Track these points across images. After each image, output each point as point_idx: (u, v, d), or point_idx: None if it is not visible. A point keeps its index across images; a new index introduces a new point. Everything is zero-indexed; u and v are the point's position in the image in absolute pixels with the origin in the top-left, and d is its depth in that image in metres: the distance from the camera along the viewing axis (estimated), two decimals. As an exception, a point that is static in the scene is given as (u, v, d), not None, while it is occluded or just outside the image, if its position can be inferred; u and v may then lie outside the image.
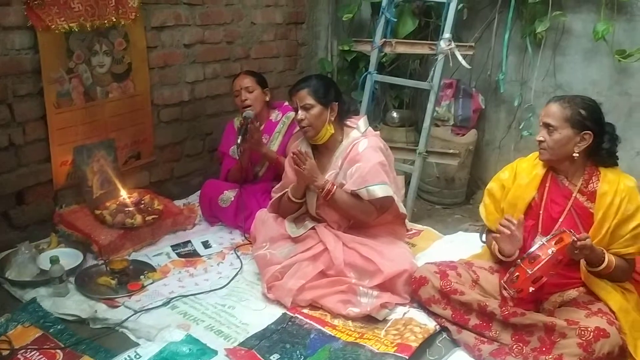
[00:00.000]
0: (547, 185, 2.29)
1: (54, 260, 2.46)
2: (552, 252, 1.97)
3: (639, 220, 2.13)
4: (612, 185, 2.16)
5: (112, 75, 3.06)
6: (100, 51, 2.97)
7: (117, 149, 3.12)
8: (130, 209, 2.94)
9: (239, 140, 2.93)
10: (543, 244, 1.99)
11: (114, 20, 2.91)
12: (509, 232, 2.15)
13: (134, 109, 3.21)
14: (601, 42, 3.25)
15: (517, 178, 2.36)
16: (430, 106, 3.45)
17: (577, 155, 2.17)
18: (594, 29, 3.21)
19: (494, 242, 2.36)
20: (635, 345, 2.07)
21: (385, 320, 2.37)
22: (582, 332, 1.95)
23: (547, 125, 2.19)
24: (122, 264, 2.60)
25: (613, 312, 2.07)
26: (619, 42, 3.27)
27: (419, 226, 3.32)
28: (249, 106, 3.07)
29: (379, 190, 2.46)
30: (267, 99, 3.19)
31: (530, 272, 1.97)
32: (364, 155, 2.51)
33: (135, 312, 2.35)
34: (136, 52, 3.14)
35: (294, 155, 2.50)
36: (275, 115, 3.23)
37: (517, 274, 2.01)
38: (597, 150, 2.19)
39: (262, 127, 3.13)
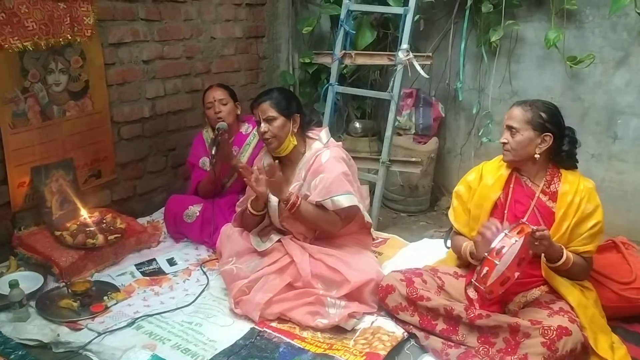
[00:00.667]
0: (511, 185, 2.37)
1: (13, 285, 2.39)
2: (515, 241, 2.02)
3: (596, 219, 2.23)
4: (572, 186, 2.25)
5: (69, 94, 3.01)
6: (56, 69, 2.92)
7: (77, 168, 3.06)
8: (91, 228, 2.88)
9: (213, 152, 2.92)
10: (505, 234, 2.04)
11: (70, 38, 2.86)
12: (490, 233, 2.11)
13: (92, 126, 3.16)
14: (553, 49, 3.35)
15: (483, 179, 2.44)
16: (391, 116, 3.50)
17: (539, 156, 2.25)
18: (546, 36, 3.31)
19: (464, 245, 2.41)
20: (596, 339, 2.13)
21: (353, 330, 2.37)
22: (545, 331, 2.00)
23: (510, 128, 2.28)
24: (84, 286, 2.54)
25: (574, 310, 2.13)
26: (569, 49, 3.38)
27: (384, 234, 3.35)
28: (221, 119, 3.08)
29: (344, 200, 2.48)
30: (238, 112, 3.21)
31: (497, 263, 2.00)
32: (327, 166, 2.52)
33: (99, 334, 2.30)
34: (93, 70, 3.10)
35: (268, 169, 2.46)
36: (245, 128, 3.24)
37: (486, 268, 2.05)
38: (558, 152, 2.28)
39: (232, 140, 3.14)
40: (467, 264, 2.45)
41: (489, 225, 2.17)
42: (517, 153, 2.28)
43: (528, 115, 2.24)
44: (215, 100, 3.11)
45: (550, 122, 2.24)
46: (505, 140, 2.29)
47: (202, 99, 3.23)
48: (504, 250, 2.01)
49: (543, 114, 2.24)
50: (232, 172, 3.22)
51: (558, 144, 2.27)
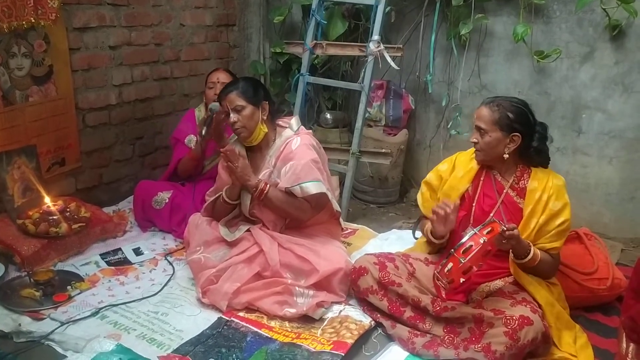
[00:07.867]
0: (481, 179, 2.38)
1: (-28, 274, 2.33)
2: (484, 241, 2.02)
3: (564, 217, 2.24)
4: (541, 183, 2.26)
5: (32, 78, 2.92)
6: (18, 53, 2.83)
7: (40, 155, 2.98)
8: (54, 217, 2.81)
9: (203, 132, 2.88)
10: (475, 233, 2.05)
11: (33, 21, 2.77)
12: (443, 212, 2.20)
13: (56, 113, 3.07)
14: (521, 43, 3.40)
15: (455, 170, 2.46)
16: (361, 107, 3.51)
17: (507, 156, 2.26)
18: (514, 31, 3.35)
19: (427, 225, 2.43)
20: (560, 337, 2.18)
21: (321, 319, 2.38)
22: (508, 321, 2.03)
23: (478, 129, 2.27)
24: (47, 275, 2.48)
25: (537, 302, 2.17)
26: (537, 43, 3.44)
27: (354, 225, 3.36)
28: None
29: (313, 187, 2.47)
30: None
31: (463, 262, 2.02)
32: (297, 153, 2.52)
33: (62, 323, 2.25)
34: (57, 54, 3.01)
35: (225, 154, 2.47)
36: None
37: (450, 264, 2.06)
38: (527, 150, 2.27)
39: (225, 122, 3.12)
40: (437, 251, 2.48)
41: (442, 206, 2.21)
42: (487, 153, 2.28)
43: (495, 116, 2.23)
44: (218, 82, 3.10)
45: (519, 121, 2.23)
46: (476, 140, 2.29)
47: (205, 79, 3.23)
48: (471, 249, 2.02)
49: (510, 114, 2.22)
50: (214, 156, 3.18)
51: (527, 141, 2.26)
